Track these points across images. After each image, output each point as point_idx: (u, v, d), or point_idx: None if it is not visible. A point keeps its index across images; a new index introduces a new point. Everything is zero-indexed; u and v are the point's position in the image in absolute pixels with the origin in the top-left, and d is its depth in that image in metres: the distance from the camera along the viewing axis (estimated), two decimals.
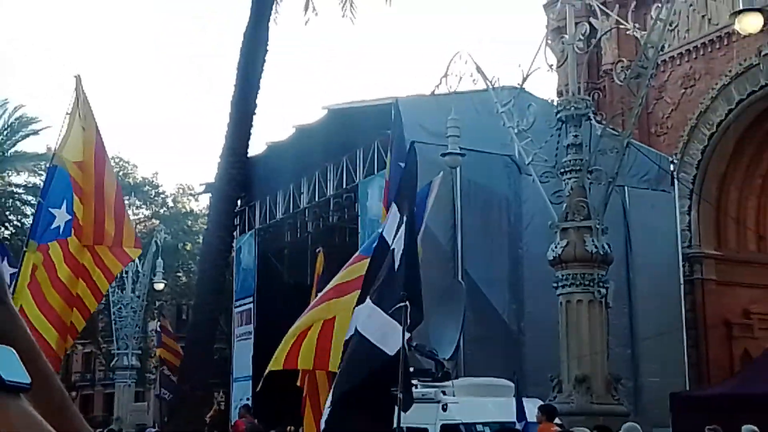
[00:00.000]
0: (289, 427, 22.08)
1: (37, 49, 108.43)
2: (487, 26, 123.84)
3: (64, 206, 10.65)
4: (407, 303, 7.80)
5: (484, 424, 12.22)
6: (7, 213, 42.72)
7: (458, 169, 20.01)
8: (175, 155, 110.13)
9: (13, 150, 45.43)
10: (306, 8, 21.05)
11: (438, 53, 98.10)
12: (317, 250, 13.56)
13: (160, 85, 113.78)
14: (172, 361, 26.64)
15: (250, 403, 25.99)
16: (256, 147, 24.45)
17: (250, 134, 19.28)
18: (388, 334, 8.02)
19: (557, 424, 12.58)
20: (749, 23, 15.32)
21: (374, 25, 67.80)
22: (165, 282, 39.90)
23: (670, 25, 18.14)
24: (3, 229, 40.44)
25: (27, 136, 44.18)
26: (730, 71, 29.43)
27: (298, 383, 11.03)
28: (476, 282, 20.90)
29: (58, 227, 10.59)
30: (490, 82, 18.62)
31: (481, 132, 20.49)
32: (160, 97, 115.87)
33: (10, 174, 45.98)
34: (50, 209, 11.14)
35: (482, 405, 13.21)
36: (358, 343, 8.32)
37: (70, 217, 10.52)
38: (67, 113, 11.08)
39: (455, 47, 25.60)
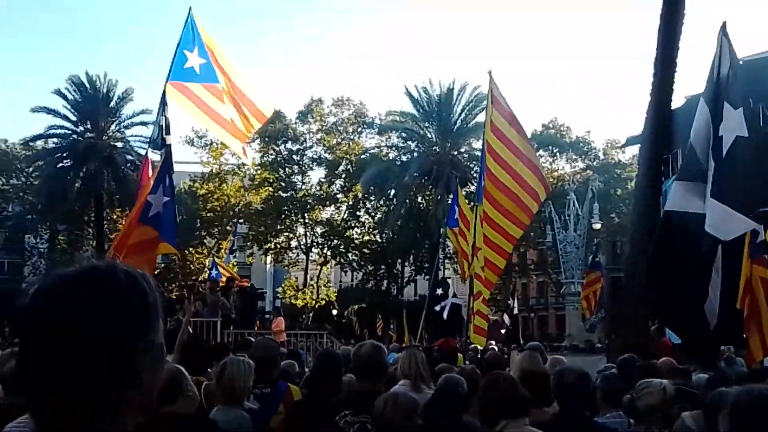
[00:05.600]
0: None
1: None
2: None
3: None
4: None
5: None
6: (473, 172, 45.10)
7: None
8: (603, 114, 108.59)
9: (474, 122, 48.01)
10: None
11: None
12: None
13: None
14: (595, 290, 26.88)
15: None
16: (676, 101, 23.33)
17: (672, 91, 18.40)
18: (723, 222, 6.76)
19: None
20: None
21: None
22: (601, 222, 39.93)
23: None
24: (469, 185, 42.67)
25: (482, 109, 46.25)
26: None
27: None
28: None
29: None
30: None
31: None
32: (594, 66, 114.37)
33: (472, 141, 48.63)
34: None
35: None
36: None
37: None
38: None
39: None
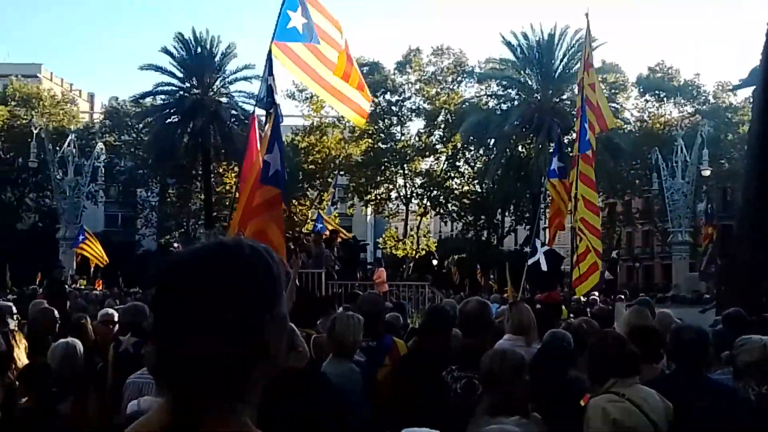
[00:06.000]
0: None
1: None
2: None
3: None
4: None
5: None
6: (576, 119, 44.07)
7: None
8: (713, 55, 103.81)
9: (576, 67, 46.62)
10: None
11: None
12: None
13: None
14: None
15: None
16: None
17: None
18: None
19: None
20: None
21: None
22: (710, 169, 38.53)
23: None
24: (571, 133, 41.68)
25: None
26: None
27: None
28: None
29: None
30: None
31: None
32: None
33: (575, 88, 47.25)
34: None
35: None
36: None
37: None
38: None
39: None
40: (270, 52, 8.79)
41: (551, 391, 4.96)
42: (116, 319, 7.47)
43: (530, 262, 14.06)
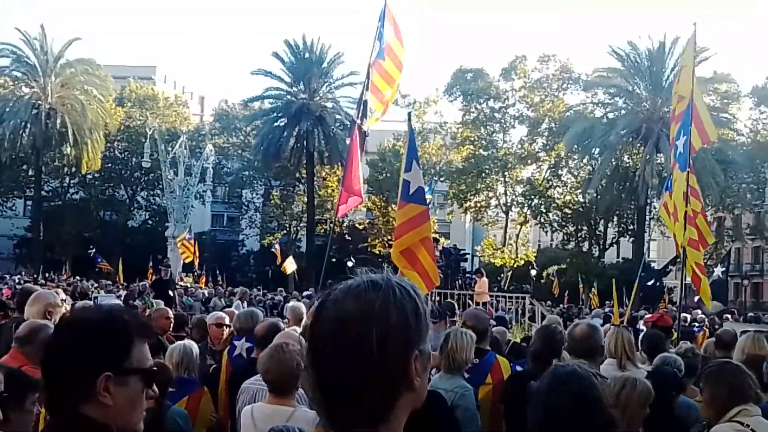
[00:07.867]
0: None
1: None
2: None
3: None
4: None
5: None
6: None
7: None
8: None
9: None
10: None
11: None
12: None
13: None
14: None
15: None
16: None
17: None
18: None
19: None
20: None
21: None
22: None
23: None
24: None
25: (699, 62, 43.43)
26: None
27: None
28: None
29: None
30: None
31: None
32: None
33: None
34: None
35: None
36: None
37: None
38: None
39: None
40: (368, 71, 9.13)
41: (661, 417, 4.85)
42: (227, 321, 7.70)
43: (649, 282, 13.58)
